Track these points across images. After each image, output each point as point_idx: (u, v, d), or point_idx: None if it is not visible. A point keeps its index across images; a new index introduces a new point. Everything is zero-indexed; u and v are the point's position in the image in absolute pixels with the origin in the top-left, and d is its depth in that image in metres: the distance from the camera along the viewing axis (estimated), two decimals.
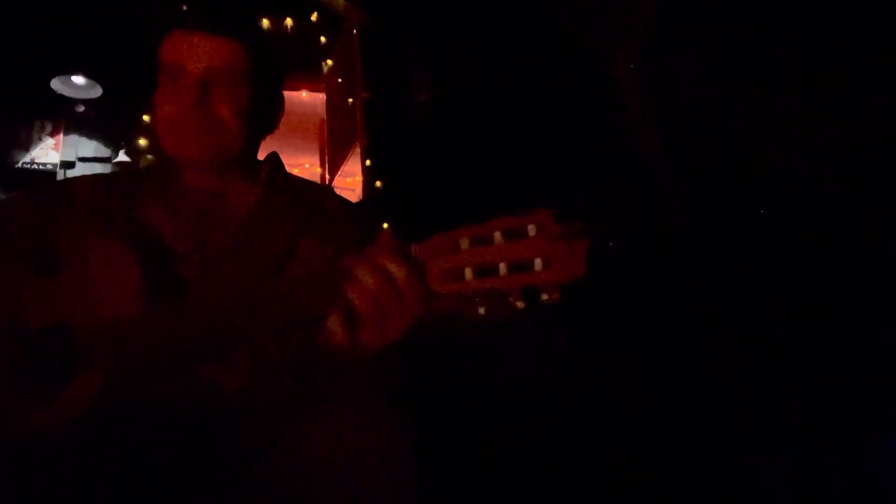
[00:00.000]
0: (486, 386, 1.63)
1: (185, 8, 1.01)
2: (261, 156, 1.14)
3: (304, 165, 5.54)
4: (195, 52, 0.97)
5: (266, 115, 1.08)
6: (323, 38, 3.71)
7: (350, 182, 4.17)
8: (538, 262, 0.69)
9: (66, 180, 1.10)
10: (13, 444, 0.78)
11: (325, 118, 4.30)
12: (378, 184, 3.15)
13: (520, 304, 0.71)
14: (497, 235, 0.70)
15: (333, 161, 4.13)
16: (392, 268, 0.72)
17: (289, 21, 3.57)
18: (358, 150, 3.34)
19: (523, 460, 1.56)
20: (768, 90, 2.18)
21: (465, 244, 0.71)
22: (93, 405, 0.82)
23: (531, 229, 0.69)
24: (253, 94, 1.01)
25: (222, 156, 1.01)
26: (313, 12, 3.63)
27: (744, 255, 2.09)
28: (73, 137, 3.78)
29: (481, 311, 0.70)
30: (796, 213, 2.05)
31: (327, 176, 4.33)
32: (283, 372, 0.91)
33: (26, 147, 3.70)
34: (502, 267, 0.69)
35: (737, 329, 2.00)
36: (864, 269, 1.86)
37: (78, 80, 3.48)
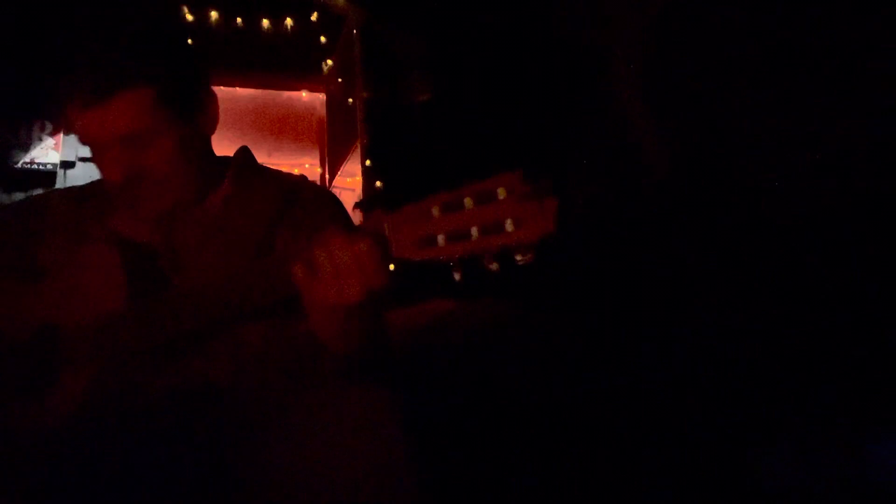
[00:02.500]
0: (477, 373, 1.63)
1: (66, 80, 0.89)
2: (230, 152, 1.11)
3: (304, 165, 5.54)
4: (96, 126, 0.89)
5: (199, 124, 1.01)
6: (323, 38, 3.72)
7: (350, 182, 4.18)
8: (509, 223, 0.70)
9: (42, 195, 1.10)
10: (4, 444, 0.79)
11: (325, 118, 4.31)
12: (378, 184, 3.15)
13: (494, 267, 0.72)
14: (467, 201, 0.72)
15: (333, 161, 4.14)
16: (355, 243, 0.75)
17: (289, 21, 3.57)
18: (358, 150, 3.34)
19: (516, 448, 1.57)
20: (769, 90, 2.18)
21: (436, 211, 0.73)
22: (80, 402, 0.83)
23: (500, 192, 0.71)
24: (175, 125, 0.94)
25: (178, 201, 0.97)
26: (313, 12, 3.64)
27: (739, 250, 2.09)
28: (73, 137, 3.78)
29: (457, 276, 0.71)
30: (796, 209, 2.05)
31: (327, 176, 4.33)
32: (266, 363, 0.92)
33: (26, 147, 3.70)
34: (474, 231, 0.71)
35: (727, 322, 2.00)
36: (863, 265, 1.86)
37: None
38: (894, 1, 1.88)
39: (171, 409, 0.86)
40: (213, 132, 1.04)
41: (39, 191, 2.38)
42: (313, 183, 1.19)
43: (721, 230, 2.18)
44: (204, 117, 1.01)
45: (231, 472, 0.77)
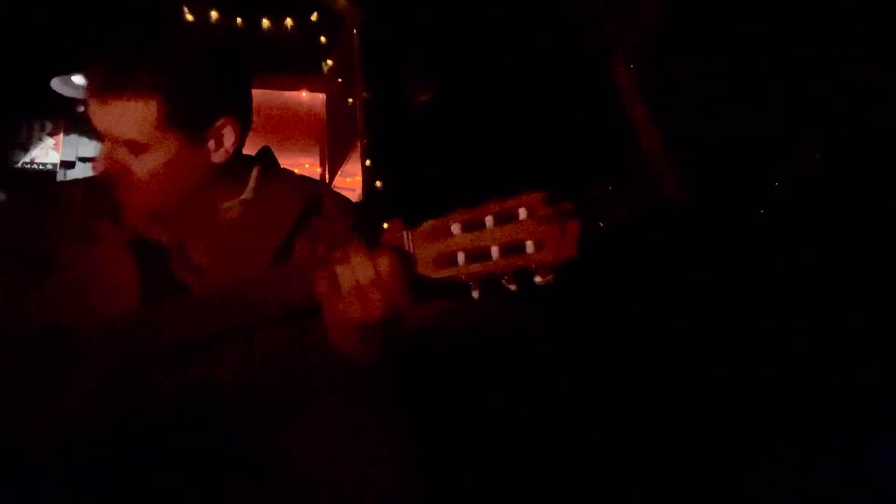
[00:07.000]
0: (482, 383, 1.63)
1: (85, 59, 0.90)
2: (253, 151, 1.09)
3: (304, 165, 5.54)
4: (99, 118, 0.89)
5: (207, 150, 0.95)
6: (323, 38, 3.71)
7: (350, 182, 4.17)
8: (530, 245, 0.70)
9: (59, 184, 1.09)
10: (11, 444, 0.79)
11: (325, 118, 4.30)
12: (378, 184, 3.15)
13: (513, 287, 0.72)
14: (489, 219, 0.71)
15: (333, 161, 4.13)
16: (378, 259, 0.74)
17: (289, 21, 3.57)
18: (358, 150, 3.34)
19: (518, 458, 1.57)
20: (768, 90, 2.18)
21: (456, 229, 0.72)
22: (91, 404, 0.83)
23: (522, 212, 0.70)
24: (176, 144, 0.90)
25: (165, 207, 0.95)
26: (313, 12, 3.63)
27: (742, 252, 2.09)
28: (73, 137, 3.79)
29: (475, 294, 0.71)
30: (796, 210, 2.05)
31: (327, 176, 4.33)
32: (278, 369, 0.92)
33: (26, 147, 3.70)
34: (494, 250, 0.71)
35: (733, 323, 2.00)
36: (864, 268, 1.86)
37: (78, 80, 3.48)
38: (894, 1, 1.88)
39: (181, 413, 0.86)
40: (221, 162, 0.97)
41: None
42: (334, 191, 1.17)
43: (723, 231, 2.18)
44: (217, 145, 0.95)
45: (239, 475, 0.77)
